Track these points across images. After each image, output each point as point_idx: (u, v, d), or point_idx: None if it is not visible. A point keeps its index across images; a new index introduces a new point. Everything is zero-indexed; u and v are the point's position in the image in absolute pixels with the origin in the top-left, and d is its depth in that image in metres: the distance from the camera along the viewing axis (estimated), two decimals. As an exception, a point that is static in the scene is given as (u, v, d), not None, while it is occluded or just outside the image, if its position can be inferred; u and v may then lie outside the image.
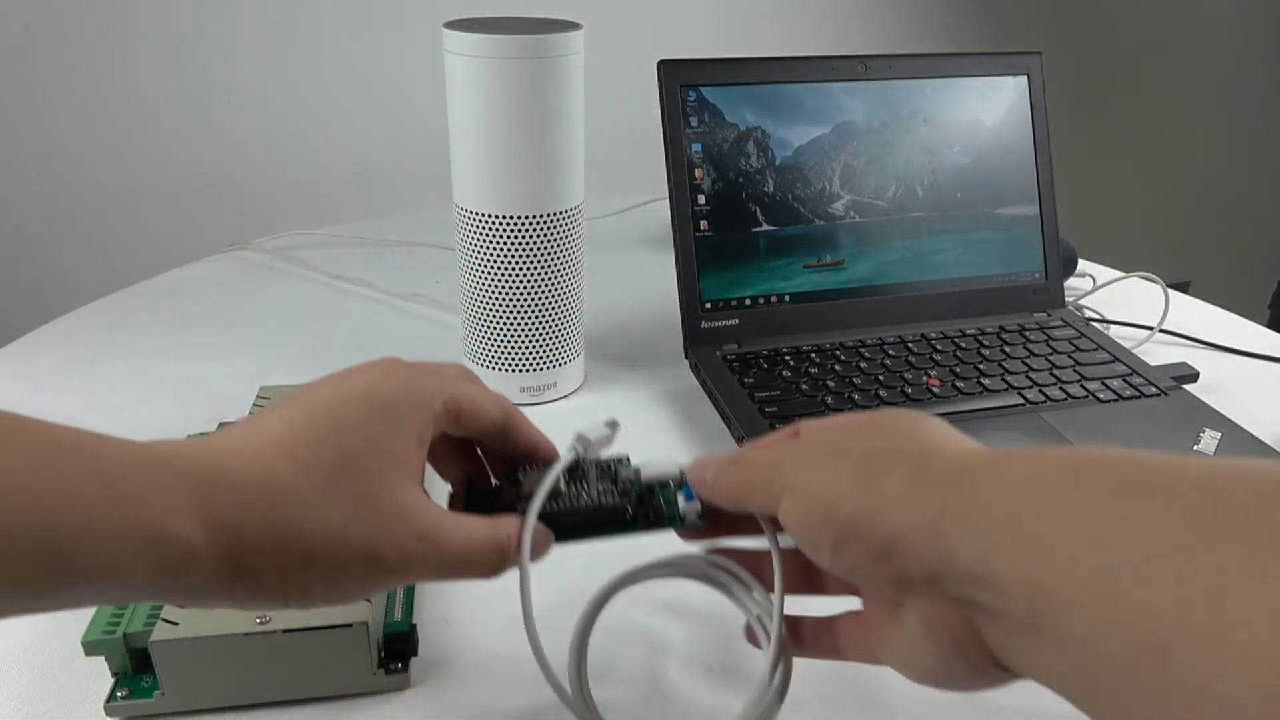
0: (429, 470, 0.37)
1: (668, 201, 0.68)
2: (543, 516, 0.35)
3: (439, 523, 0.32)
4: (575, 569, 0.51)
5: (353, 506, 0.30)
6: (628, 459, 0.38)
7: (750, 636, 0.38)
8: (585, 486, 0.37)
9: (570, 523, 0.36)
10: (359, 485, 0.30)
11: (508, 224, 0.61)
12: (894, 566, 0.28)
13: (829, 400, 0.63)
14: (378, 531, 0.30)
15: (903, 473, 0.29)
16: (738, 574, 0.38)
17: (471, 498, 0.37)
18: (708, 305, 0.69)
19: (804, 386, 0.64)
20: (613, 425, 0.39)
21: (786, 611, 0.36)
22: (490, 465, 0.39)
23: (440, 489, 0.38)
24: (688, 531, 0.38)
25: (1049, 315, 0.76)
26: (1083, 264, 0.91)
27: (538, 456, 0.38)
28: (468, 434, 0.37)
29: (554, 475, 0.36)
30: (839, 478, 0.30)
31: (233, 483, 0.28)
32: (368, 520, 0.30)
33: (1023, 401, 0.64)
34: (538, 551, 0.36)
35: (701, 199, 0.68)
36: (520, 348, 0.64)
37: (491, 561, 0.34)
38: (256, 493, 0.29)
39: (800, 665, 0.37)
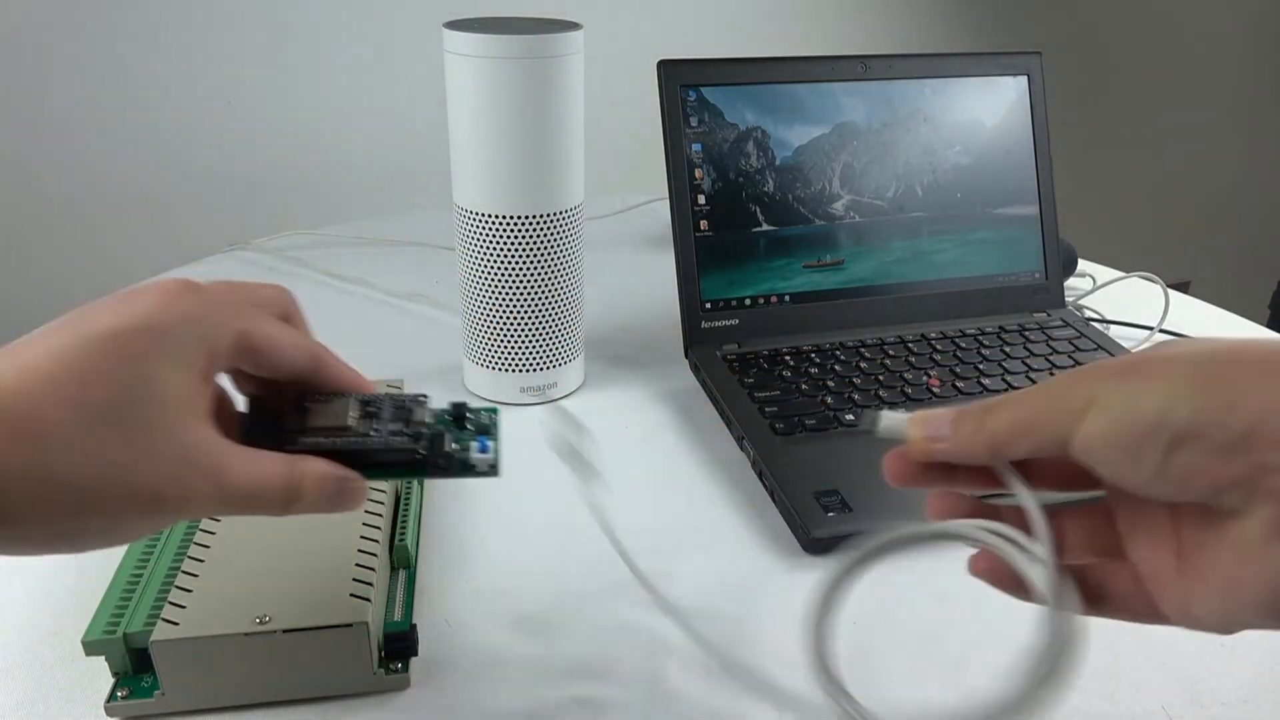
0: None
1: (668, 201, 0.68)
2: (326, 453, 0.34)
3: (225, 461, 0.30)
4: (573, 565, 0.51)
5: (129, 448, 0.28)
6: (426, 398, 0.37)
7: (982, 567, 0.34)
8: (376, 424, 0.35)
9: (357, 462, 0.34)
10: (136, 425, 0.28)
11: (508, 224, 0.61)
12: (1245, 460, 0.26)
13: (829, 400, 0.63)
14: (156, 471, 0.28)
15: (1251, 362, 0.27)
16: (1006, 533, 0.33)
17: (251, 422, 0.35)
18: (708, 305, 0.69)
19: (804, 386, 0.64)
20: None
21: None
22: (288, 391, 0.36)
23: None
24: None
25: (1049, 315, 0.76)
26: (1083, 264, 0.91)
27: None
28: (265, 374, 0.34)
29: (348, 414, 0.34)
30: (1166, 382, 0.27)
31: None
32: (146, 461, 0.28)
33: (1023, 401, 0.64)
34: (350, 498, 0.34)
35: (701, 199, 0.68)
36: (520, 348, 0.64)
37: (281, 499, 0.32)
38: (19, 433, 0.26)
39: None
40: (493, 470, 0.36)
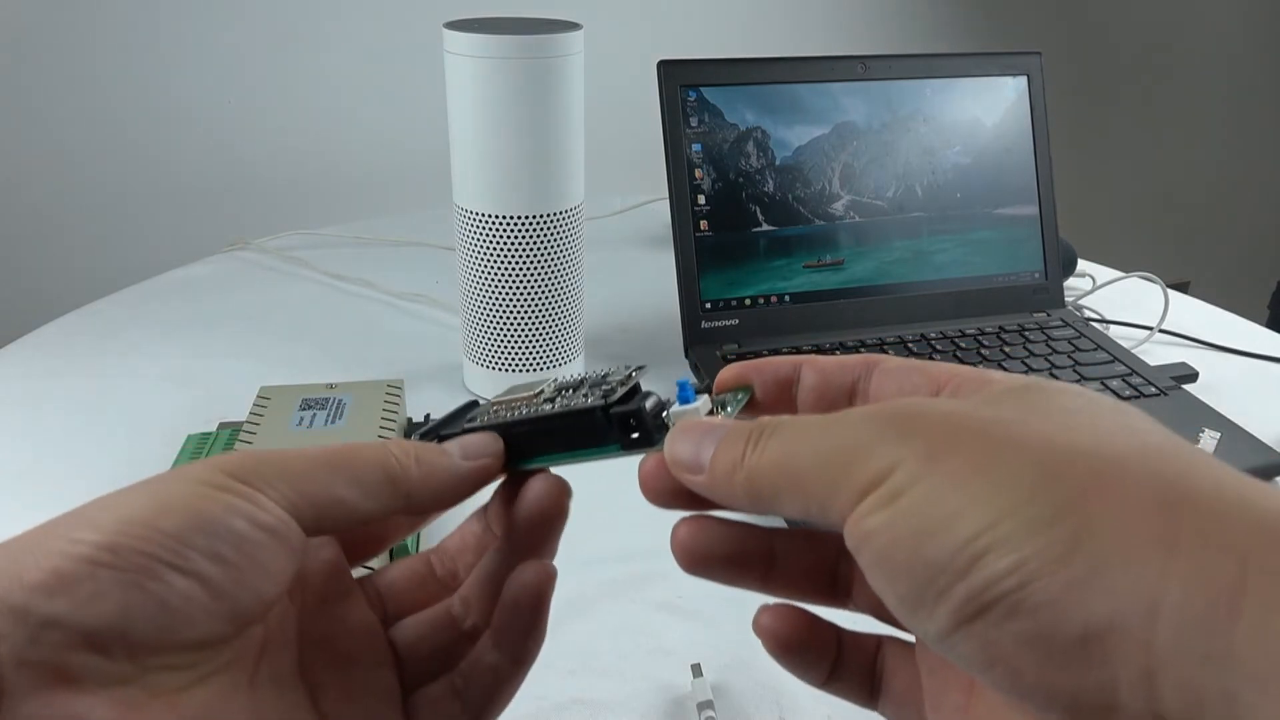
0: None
1: (668, 201, 0.68)
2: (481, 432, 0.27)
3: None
4: (573, 565, 0.51)
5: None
6: (640, 369, 0.28)
7: None
8: (551, 404, 0.27)
9: (514, 433, 0.26)
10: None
11: (508, 224, 0.61)
12: (1082, 676, 0.16)
13: (829, 400, 0.63)
14: (164, 485, 0.22)
15: (1141, 510, 0.16)
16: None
17: None
18: (708, 305, 0.69)
19: (804, 386, 0.64)
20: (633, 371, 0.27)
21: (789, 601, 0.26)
22: None
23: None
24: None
25: (1049, 315, 0.76)
26: (1083, 264, 0.91)
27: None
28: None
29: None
30: (995, 493, 0.17)
31: None
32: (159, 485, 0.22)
33: (1022, 401, 0.64)
34: (484, 463, 0.26)
35: (701, 199, 0.68)
36: (520, 348, 0.64)
37: (378, 455, 0.25)
38: None
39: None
40: None
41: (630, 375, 0.26)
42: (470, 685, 0.27)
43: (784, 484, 0.21)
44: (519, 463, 0.27)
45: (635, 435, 0.25)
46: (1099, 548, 0.16)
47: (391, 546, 0.29)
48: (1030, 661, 0.17)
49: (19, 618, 0.19)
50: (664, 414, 0.25)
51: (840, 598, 0.26)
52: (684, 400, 0.25)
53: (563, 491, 0.27)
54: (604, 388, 0.26)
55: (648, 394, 0.26)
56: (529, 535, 0.27)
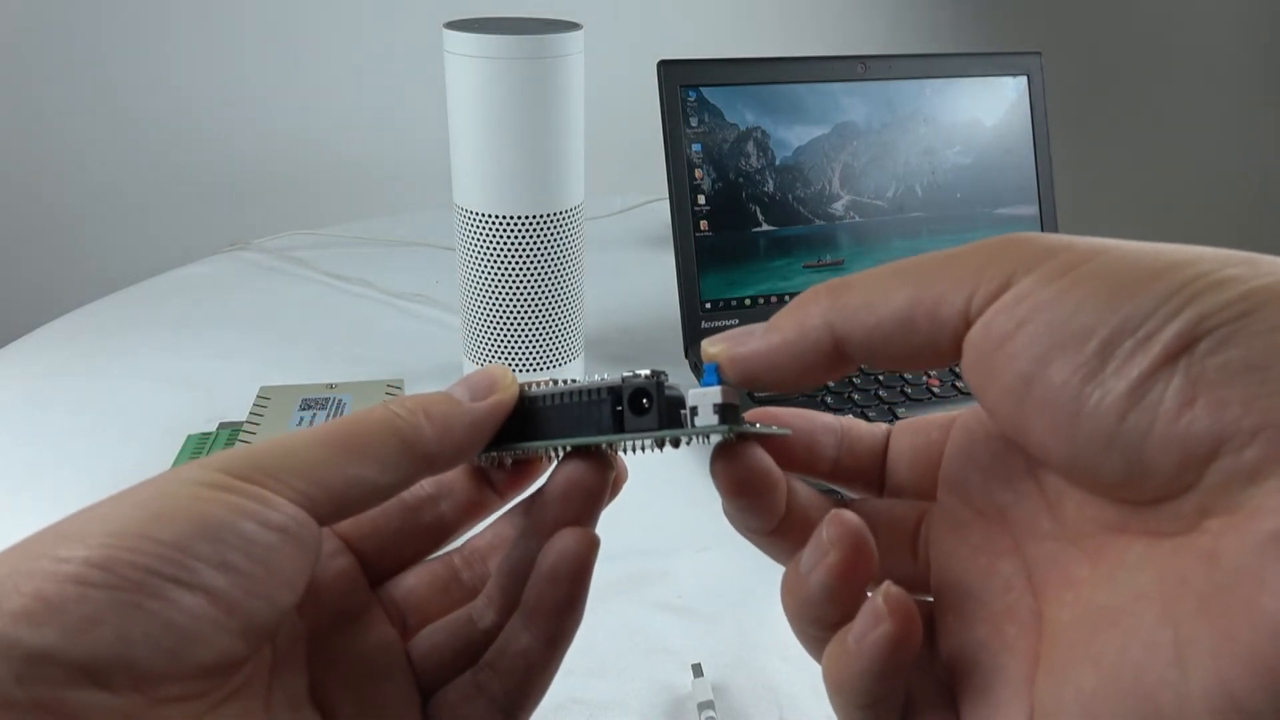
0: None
1: (668, 201, 0.68)
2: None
3: None
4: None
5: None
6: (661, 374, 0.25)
7: None
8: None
9: (531, 408, 0.25)
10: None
11: (508, 224, 0.61)
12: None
13: (829, 400, 0.63)
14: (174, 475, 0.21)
15: None
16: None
17: None
18: (708, 305, 0.69)
19: (804, 386, 0.64)
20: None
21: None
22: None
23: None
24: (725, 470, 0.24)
25: (1049, 315, 0.76)
26: (1083, 264, 0.91)
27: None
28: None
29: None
30: (1187, 255, 0.17)
31: None
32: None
33: (1022, 401, 0.64)
34: (499, 397, 0.24)
35: (701, 199, 0.68)
36: (520, 348, 0.64)
37: (393, 428, 0.23)
38: None
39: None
40: (728, 430, 0.23)
41: (652, 372, 0.25)
42: (498, 676, 0.25)
43: (877, 311, 0.20)
44: (514, 444, 0.25)
45: (645, 409, 0.24)
46: None
47: (420, 560, 0.27)
48: (1238, 391, 0.16)
49: (1, 652, 0.17)
50: (684, 406, 0.24)
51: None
52: (707, 383, 0.23)
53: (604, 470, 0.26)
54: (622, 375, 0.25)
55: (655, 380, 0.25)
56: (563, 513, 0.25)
